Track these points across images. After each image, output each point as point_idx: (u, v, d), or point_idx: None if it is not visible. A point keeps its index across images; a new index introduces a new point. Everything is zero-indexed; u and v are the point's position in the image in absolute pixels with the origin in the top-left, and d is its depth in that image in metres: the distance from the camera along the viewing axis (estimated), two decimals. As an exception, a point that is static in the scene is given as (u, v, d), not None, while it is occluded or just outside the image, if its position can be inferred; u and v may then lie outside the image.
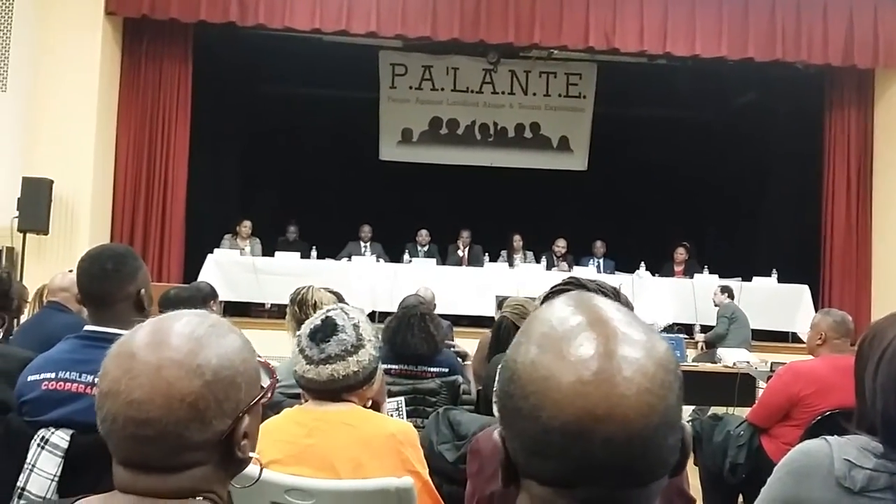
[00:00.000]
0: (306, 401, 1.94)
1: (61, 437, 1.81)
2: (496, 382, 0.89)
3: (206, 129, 9.01)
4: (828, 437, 1.37)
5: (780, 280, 8.44)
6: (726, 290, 7.66)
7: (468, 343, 5.52)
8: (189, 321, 0.99)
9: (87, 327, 1.99)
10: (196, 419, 0.92)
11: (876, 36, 8.41)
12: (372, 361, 1.92)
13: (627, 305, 1.34)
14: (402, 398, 3.17)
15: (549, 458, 0.71)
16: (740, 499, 3.71)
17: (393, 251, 9.25)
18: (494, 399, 1.74)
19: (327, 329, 1.89)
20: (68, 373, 1.87)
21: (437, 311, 5.29)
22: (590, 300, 0.77)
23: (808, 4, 8.39)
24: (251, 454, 0.98)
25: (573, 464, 0.70)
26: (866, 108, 8.99)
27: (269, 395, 1.02)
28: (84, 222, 7.82)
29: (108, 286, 1.96)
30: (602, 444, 0.68)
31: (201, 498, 0.95)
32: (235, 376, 0.96)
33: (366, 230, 9.42)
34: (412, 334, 3.39)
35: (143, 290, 2.00)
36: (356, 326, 1.91)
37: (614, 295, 1.33)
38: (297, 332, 1.99)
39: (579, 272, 8.11)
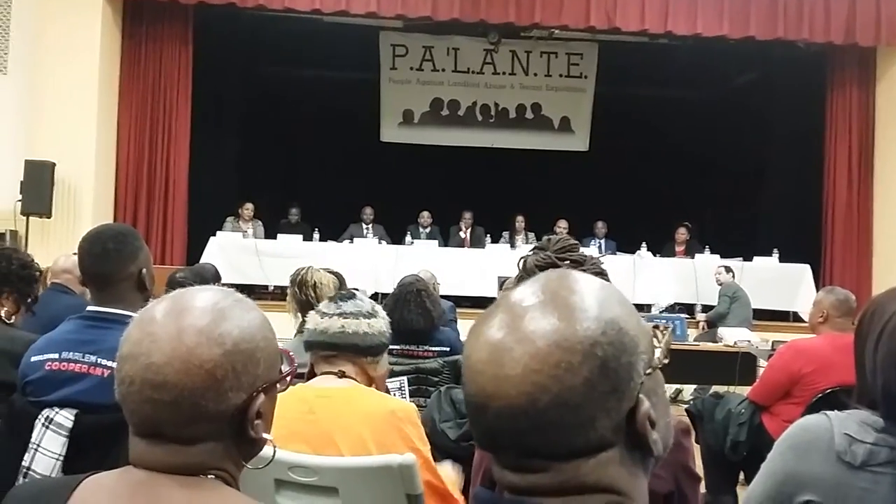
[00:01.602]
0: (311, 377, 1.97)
1: (66, 417, 1.82)
2: None
3: (207, 110, 9.01)
4: (828, 413, 1.35)
5: (781, 259, 8.45)
6: (729, 269, 7.67)
7: (470, 324, 5.55)
8: (214, 294, 0.99)
9: (89, 308, 1.98)
10: (212, 388, 0.92)
11: (878, 14, 8.37)
12: (383, 335, 2.00)
13: (595, 272, 1.37)
14: (404, 378, 3.19)
15: (472, 425, 0.79)
16: (741, 476, 3.73)
17: (395, 233, 9.26)
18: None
19: (345, 295, 2.02)
20: (71, 353, 1.87)
21: (440, 292, 5.31)
22: (540, 283, 0.80)
23: (811, -18, 8.36)
24: (265, 435, 0.98)
25: (480, 432, 0.78)
26: (868, 87, 8.96)
27: (288, 380, 1.03)
28: (87, 204, 7.85)
29: (109, 266, 1.96)
30: (494, 418, 0.75)
31: (213, 476, 0.94)
32: (255, 351, 0.96)
33: (367, 212, 9.42)
34: (408, 310, 3.38)
35: (144, 270, 1.99)
36: (373, 304, 2.03)
37: (581, 262, 1.37)
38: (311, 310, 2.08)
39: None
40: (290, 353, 1.05)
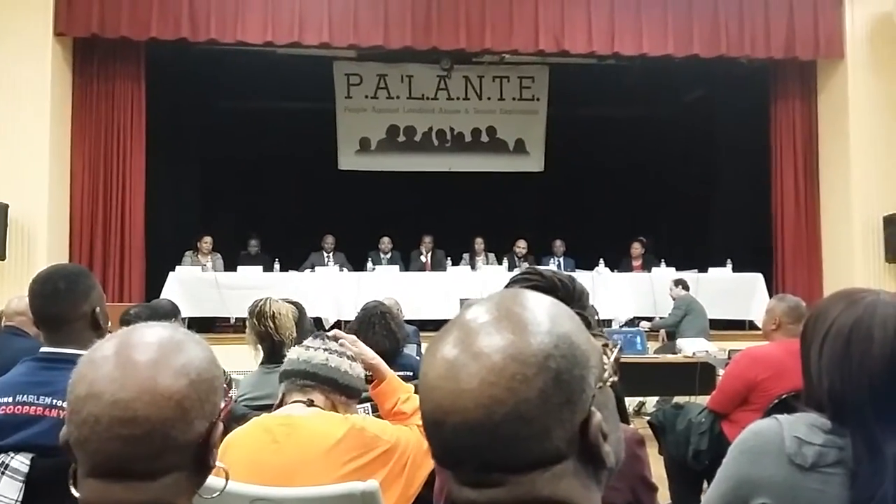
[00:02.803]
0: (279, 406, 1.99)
1: (21, 462, 1.79)
2: None
3: (162, 146, 8.91)
4: (778, 416, 1.37)
5: (734, 269, 8.59)
6: (680, 282, 7.76)
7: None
8: (163, 330, 1.00)
9: (42, 349, 1.96)
10: (181, 418, 0.93)
11: (816, 28, 8.60)
12: (361, 380, 2.06)
13: (579, 294, 1.36)
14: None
15: (430, 442, 0.80)
16: (705, 485, 3.77)
17: (356, 260, 9.25)
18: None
19: (331, 337, 2.10)
20: (26, 396, 1.85)
21: (403, 317, 5.31)
22: (493, 301, 0.81)
23: (750, 0, 8.58)
24: (218, 463, 1.00)
25: (440, 449, 0.78)
26: (810, 99, 9.18)
27: (226, 410, 1.05)
28: (41, 245, 7.69)
29: (61, 306, 1.94)
30: (451, 434, 0.75)
31: None
32: (213, 380, 0.98)
33: (329, 240, 9.40)
34: (374, 331, 3.39)
35: (97, 309, 1.97)
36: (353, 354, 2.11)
37: (569, 284, 1.35)
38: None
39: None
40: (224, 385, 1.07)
